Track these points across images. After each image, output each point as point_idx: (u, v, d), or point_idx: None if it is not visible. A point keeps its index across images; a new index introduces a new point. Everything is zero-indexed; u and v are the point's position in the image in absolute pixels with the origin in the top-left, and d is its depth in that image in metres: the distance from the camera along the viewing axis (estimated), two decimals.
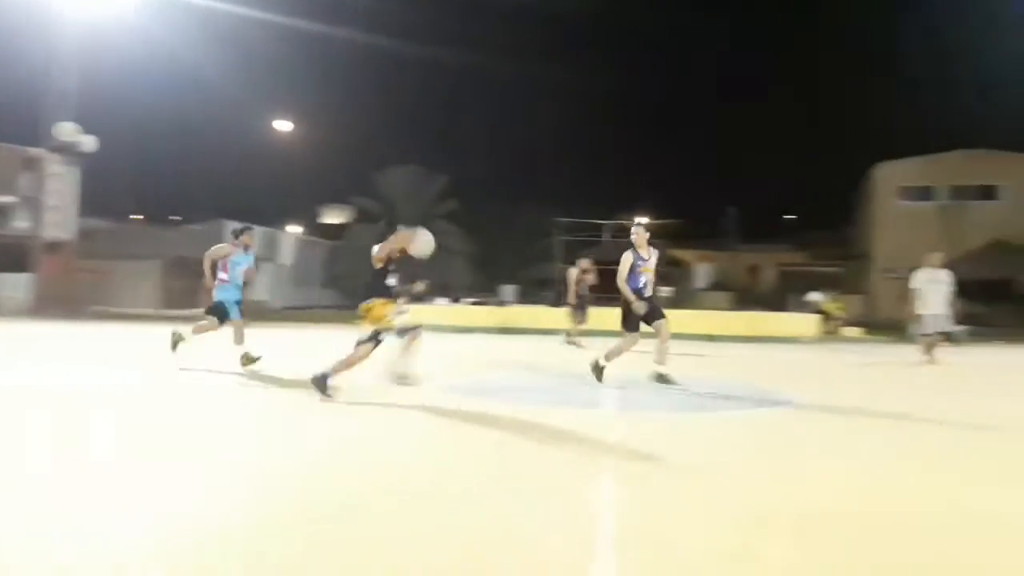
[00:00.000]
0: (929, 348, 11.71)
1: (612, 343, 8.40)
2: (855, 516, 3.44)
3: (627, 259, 8.16)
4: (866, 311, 33.61)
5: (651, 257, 8.28)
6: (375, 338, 6.49)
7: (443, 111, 50.14)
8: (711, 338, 17.66)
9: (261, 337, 10.25)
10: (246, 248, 9.11)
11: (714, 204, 53.17)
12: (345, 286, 35.52)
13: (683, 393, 7.61)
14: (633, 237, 8.24)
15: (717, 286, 39.31)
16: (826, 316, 20.75)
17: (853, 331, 21.67)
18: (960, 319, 21.84)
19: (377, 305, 6.50)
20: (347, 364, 6.49)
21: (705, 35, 78.52)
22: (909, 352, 12.68)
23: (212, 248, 9.13)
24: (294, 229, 44.56)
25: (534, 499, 3.59)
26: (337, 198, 41.61)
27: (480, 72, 56.35)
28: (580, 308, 14.88)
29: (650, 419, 6.18)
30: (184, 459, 4.31)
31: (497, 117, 51.06)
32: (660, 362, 8.05)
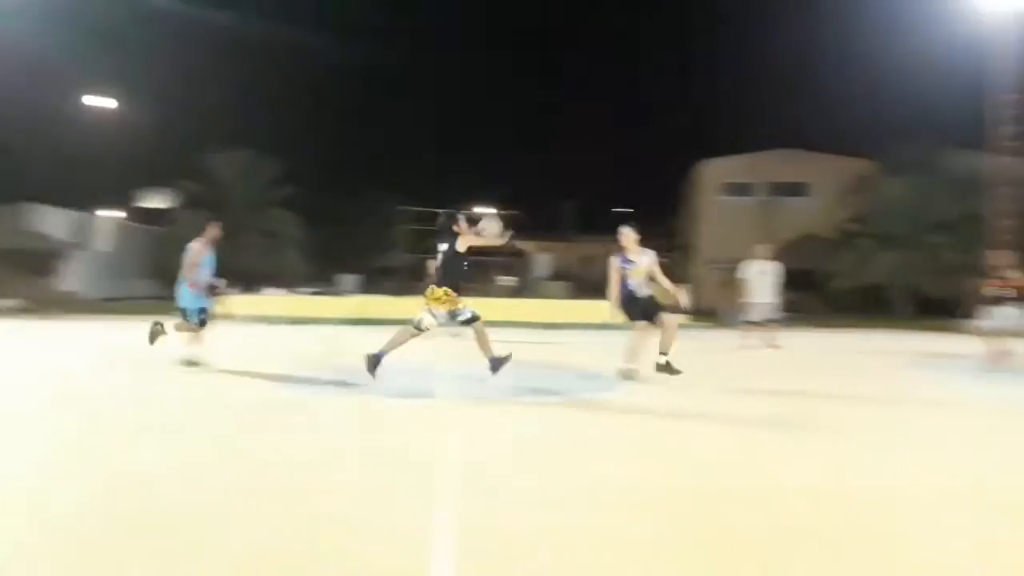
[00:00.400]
0: (753, 334, 12.48)
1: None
2: (681, 490, 3.51)
3: (613, 264, 8.15)
4: (691, 299, 35.63)
5: (640, 258, 8.23)
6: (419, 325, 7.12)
7: (280, 93, 48.07)
8: (549, 326, 18.03)
9: (67, 331, 9.34)
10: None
11: (553, 196, 54.55)
12: (172, 276, 33.15)
13: (523, 381, 7.66)
14: (620, 240, 8.10)
15: (556, 276, 40.37)
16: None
17: (679, 318, 22.86)
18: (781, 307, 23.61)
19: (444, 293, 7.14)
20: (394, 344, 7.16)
21: (540, 33, 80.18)
22: (730, 337, 13.46)
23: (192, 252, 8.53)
24: (113, 214, 41.14)
25: (366, 495, 3.42)
26: (161, 181, 38.74)
27: (321, 55, 54.48)
28: None
29: (488, 407, 6.14)
30: None
31: (339, 102, 49.65)
32: (664, 352, 8.11)
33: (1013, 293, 10.27)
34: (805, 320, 23.87)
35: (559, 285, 33.62)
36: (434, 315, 7.42)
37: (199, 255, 8.54)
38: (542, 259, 39.98)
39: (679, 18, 77.45)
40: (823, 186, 36.45)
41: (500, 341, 12.50)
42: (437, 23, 68.43)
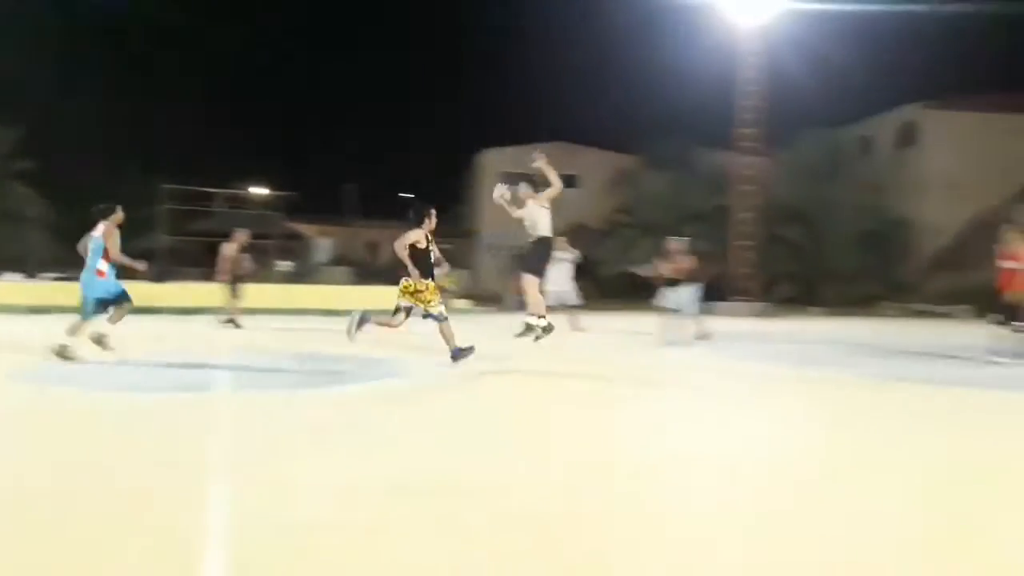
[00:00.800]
0: (564, 317, 12.93)
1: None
2: (446, 484, 3.46)
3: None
4: (473, 284, 36.44)
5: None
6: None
7: (16, 50, 42.21)
8: (331, 313, 17.49)
9: None
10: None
11: (334, 178, 53.09)
12: None
13: (301, 370, 7.36)
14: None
15: (338, 261, 39.39)
16: (440, 289, 21.87)
17: (463, 303, 23.22)
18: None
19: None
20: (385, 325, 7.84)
21: (324, 10, 77.62)
22: (513, 320, 13.71)
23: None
24: None
25: (129, 493, 3.03)
26: None
27: (72, 10, 48.35)
28: (235, 284, 13.62)
29: (262, 399, 5.77)
30: None
31: (93, 66, 44.54)
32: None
33: (683, 275, 11.71)
34: (579, 307, 25.24)
35: (341, 271, 32.80)
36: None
37: None
38: (323, 244, 38.75)
39: (464, 9, 78.40)
40: (591, 178, 38.75)
41: (278, 329, 11.90)
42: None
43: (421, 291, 7.73)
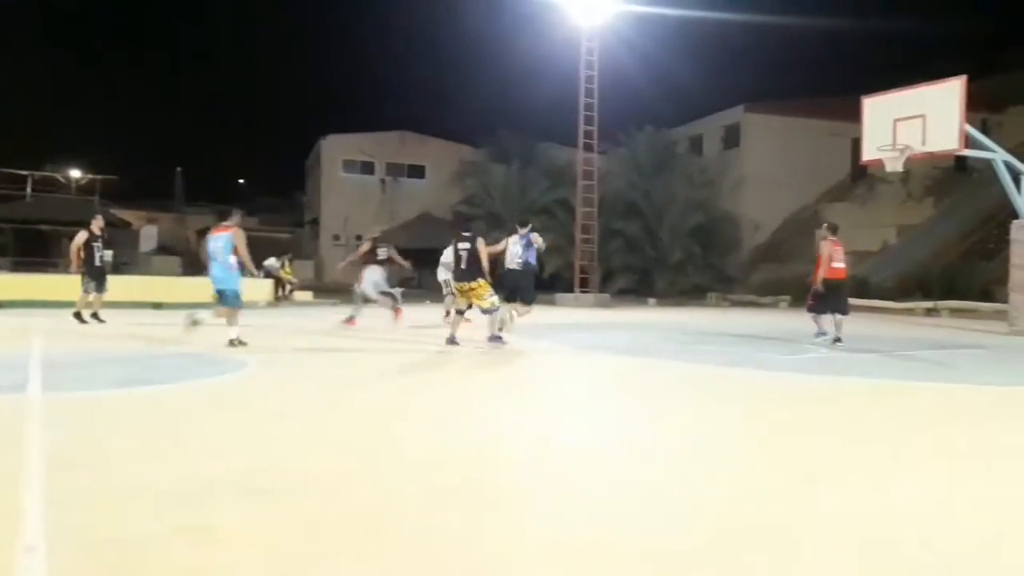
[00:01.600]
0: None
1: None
2: (314, 475, 3.32)
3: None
4: (315, 275, 35.36)
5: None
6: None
7: None
8: (158, 306, 16.37)
9: None
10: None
11: (159, 163, 49.68)
12: None
13: (120, 368, 6.85)
14: None
15: (165, 250, 36.98)
16: (279, 281, 20.98)
17: (304, 295, 22.45)
18: (397, 283, 24.38)
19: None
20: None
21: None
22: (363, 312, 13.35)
23: None
24: None
25: None
26: None
27: None
28: (94, 276, 12.24)
29: (79, 399, 5.28)
30: None
31: None
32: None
33: (370, 259, 12.26)
34: (427, 296, 25.12)
35: (170, 260, 30.79)
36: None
37: None
38: (148, 232, 36.19)
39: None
40: (438, 169, 38.70)
41: (101, 324, 11.05)
42: None
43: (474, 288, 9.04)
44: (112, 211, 34.16)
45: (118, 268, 22.84)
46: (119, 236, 31.57)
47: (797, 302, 22.27)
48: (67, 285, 13.39)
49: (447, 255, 12.48)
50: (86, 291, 12.34)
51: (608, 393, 6.51)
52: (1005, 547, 2.65)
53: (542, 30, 26.33)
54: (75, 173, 33.22)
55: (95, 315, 12.38)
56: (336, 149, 39.92)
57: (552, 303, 22.87)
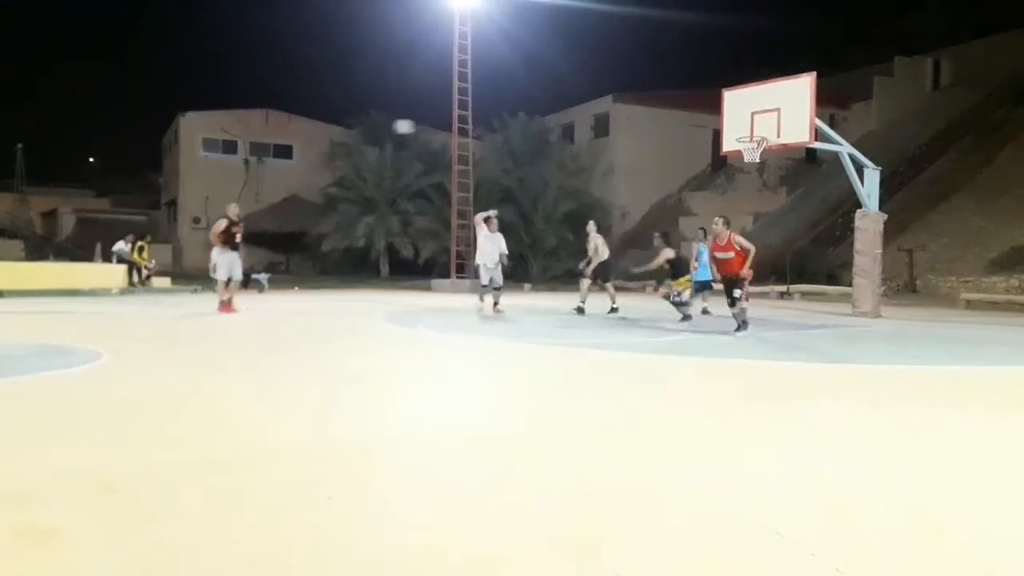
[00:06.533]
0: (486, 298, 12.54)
1: None
2: (180, 466, 3.12)
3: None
4: (173, 260, 33.49)
5: None
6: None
7: None
8: (2, 294, 15.05)
9: None
10: None
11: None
12: None
13: None
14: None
15: (6, 233, 33.98)
16: (133, 266, 19.62)
17: (162, 281, 21.20)
18: (264, 268, 23.50)
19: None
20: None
21: None
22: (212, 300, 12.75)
23: None
24: None
25: None
26: None
27: None
28: None
29: None
30: None
31: None
32: None
33: (226, 240, 11.79)
34: (293, 281, 24.34)
35: (10, 244, 28.31)
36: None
37: None
38: None
39: None
40: (306, 149, 37.40)
41: None
42: None
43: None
44: None
45: None
46: None
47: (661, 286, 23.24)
48: None
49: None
50: None
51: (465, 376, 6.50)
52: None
53: (415, 11, 25.96)
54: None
55: None
56: (196, 127, 37.74)
57: (428, 289, 22.72)
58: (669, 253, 11.54)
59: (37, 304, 13.42)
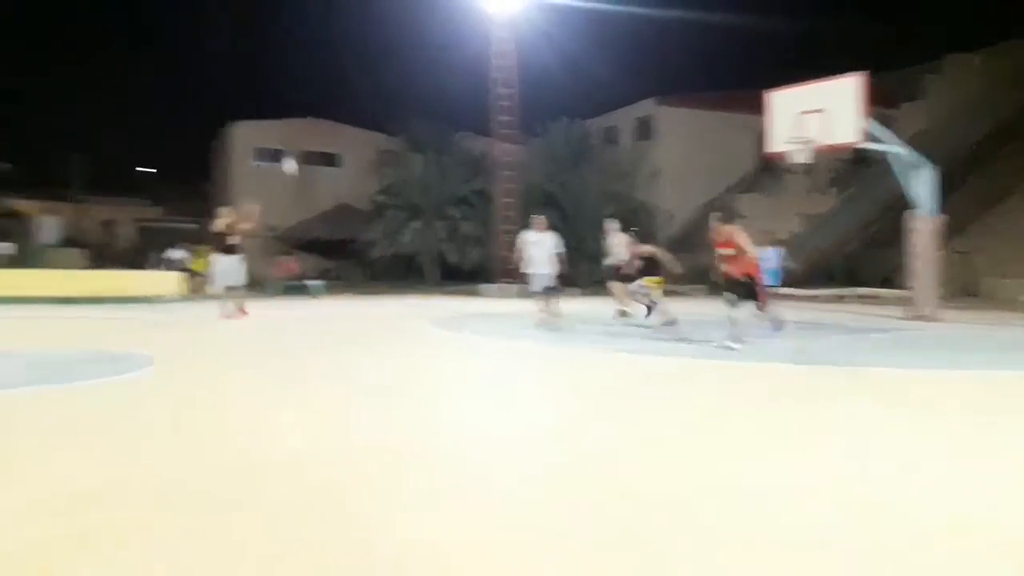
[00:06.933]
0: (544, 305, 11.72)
1: None
2: (210, 469, 3.25)
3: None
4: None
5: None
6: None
7: None
8: (64, 300, 15.60)
9: None
10: None
11: (55, 149, 47.02)
12: None
13: (24, 364, 6.51)
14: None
15: (67, 242, 35.17)
16: (191, 273, 20.20)
17: (218, 288, 21.72)
18: (316, 275, 23.95)
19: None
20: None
21: None
22: (270, 306, 13.14)
23: None
24: None
25: None
26: None
27: None
28: None
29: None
30: None
31: None
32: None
33: (222, 244, 11.95)
34: (344, 287, 24.77)
35: (72, 253, 29.30)
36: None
37: None
38: (47, 222, 34.31)
39: None
40: (354, 158, 37.94)
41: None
42: None
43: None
44: (6, 201, 32.39)
45: (15, 261, 21.59)
46: (14, 228, 29.91)
47: (712, 290, 22.97)
48: None
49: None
50: None
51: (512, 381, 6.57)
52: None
53: (454, 18, 26.23)
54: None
55: None
56: (246, 136, 38.61)
57: (476, 294, 22.90)
58: (645, 250, 11.32)
59: (98, 310, 13.90)
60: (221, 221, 11.96)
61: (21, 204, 35.47)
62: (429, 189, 31.65)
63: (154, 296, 17.74)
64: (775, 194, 32.38)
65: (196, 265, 20.17)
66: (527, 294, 12.76)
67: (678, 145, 32.88)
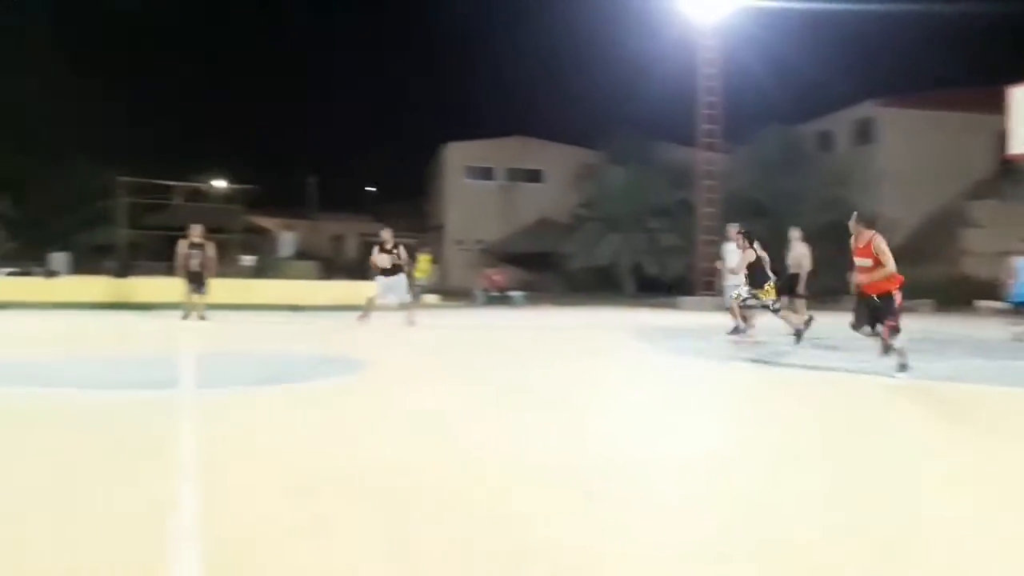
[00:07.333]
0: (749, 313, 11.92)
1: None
2: (417, 469, 3.50)
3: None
4: (441, 279, 36.32)
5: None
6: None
7: None
8: (296, 308, 17.33)
9: None
10: None
11: (292, 172, 52.41)
12: None
13: (259, 367, 7.34)
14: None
15: (301, 255, 39.03)
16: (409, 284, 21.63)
17: (431, 298, 23.11)
18: (519, 286, 24.77)
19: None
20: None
21: (282, 5, 76.45)
22: (478, 315, 13.78)
23: None
24: None
25: (101, 494, 3.01)
26: None
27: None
28: (194, 281, 13.44)
29: (226, 395, 5.73)
30: None
31: (41, 56, 43.31)
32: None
33: (387, 264, 12.61)
34: (543, 299, 25.39)
35: (306, 265, 32.48)
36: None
37: None
38: (286, 238, 38.26)
39: (428, 2, 77.99)
40: (555, 173, 38.83)
41: (242, 324, 11.80)
42: None
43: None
44: (251, 219, 36.38)
45: (258, 272, 24.38)
46: (258, 242, 33.62)
47: (942, 304, 21.02)
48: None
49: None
50: (189, 292, 13.48)
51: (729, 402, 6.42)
52: None
53: (657, 28, 26.02)
54: (218, 183, 35.61)
55: (193, 315, 13.38)
56: (458, 156, 40.84)
57: (674, 306, 22.56)
58: (750, 256, 10.30)
59: (327, 318, 15.31)
60: (384, 241, 12.88)
61: (264, 221, 39.87)
62: (629, 201, 31.63)
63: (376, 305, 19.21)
64: (1016, 200, 28.89)
65: (417, 273, 21.65)
66: (724, 307, 12.30)
67: (902, 148, 30.33)
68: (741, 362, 8.55)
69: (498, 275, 25.49)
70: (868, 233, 7.46)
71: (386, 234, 12.97)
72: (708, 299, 22.43)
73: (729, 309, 11.11)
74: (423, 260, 22.26)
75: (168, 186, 31.61)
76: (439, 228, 42.80)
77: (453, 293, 26.33)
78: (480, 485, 3.36)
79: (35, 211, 32.54)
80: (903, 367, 6.97)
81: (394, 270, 12.62)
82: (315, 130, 73.00)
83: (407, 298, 12.98)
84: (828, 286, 27.94)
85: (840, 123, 33.94)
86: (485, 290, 23.99)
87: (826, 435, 4.69)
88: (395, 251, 12.69)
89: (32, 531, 2.67)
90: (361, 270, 30.58)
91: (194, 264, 13.52)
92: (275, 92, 74.01)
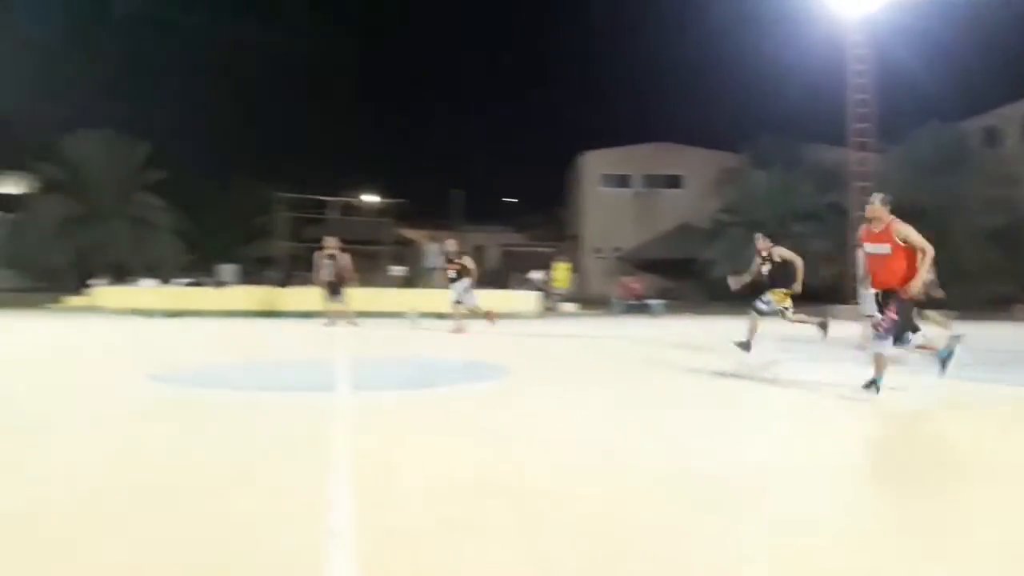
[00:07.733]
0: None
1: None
2: (570, 475, 3.61)
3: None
4: (579, 288, 36.48)
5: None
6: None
7: (145, 72, 45.28)
8: (443, 316, 17.97)
9: None
10: None
11: (438, 186, 54.29)
12: (30, 265, 30.69)
13: (408, 371, 7.73)
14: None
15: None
16: (547, 293, 22.01)
17: (569, 306, 23.33)
18: (657, 294, 24.51)
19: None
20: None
21: (420, 21, 79.36)
22: (617, 324, 13.80)
23: None
24: None
25: (268, 494, 3.32)
26: (12, 164, 35.52)
27: (189, 33, 51.65)
28: (332, 290, 14.47)
29: (382, 398, 6.08)
30: None
31: (209, 84, 47.17)
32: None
33: (453, 272, 13.64)
34: (684, 307, 24.96)
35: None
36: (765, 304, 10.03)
37: None
38: (432, 248, 39.73)
39: (561, 14, 78.73)
40: (695, 178, 38.05)
41: (392, 331, 12.37)
42: (314, 6, 66.41)
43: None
44: (400, 231, 37.97)
45: (407, 281, 25.49)
46: (406, 253, 35.06)
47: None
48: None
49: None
50: (328, 300, 14.46)
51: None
52: None
53: (802, 25, 24.97)
54: (369, 198, 37.47)
55: (351, 322, 14.28)
56: (595, 164, 40.89)
57: (823, 315, 21.51)
58: (783, 255, 9.87)
59: (469, 326, 15.80)
60: (451, 252, 13.88)
61: (412, 233, 41.51)
62: (772, 205, 30.53)
63: (515, 313, 19.64)
64: None
65: (556, 282, 22.01)
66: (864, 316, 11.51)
67: None
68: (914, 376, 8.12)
69: (635, 283, 25.33)
70: (888, 217, 6.53)
71: (331, 242, 14.41)
72: (862, 307, 21.28)
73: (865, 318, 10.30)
74: (561, 269, 22.66)
75: (324, 201, 33.61)
76: (576, 237, 42.99)
77: (592, 302, 26.40)
78: (634, 495, 3.45)
79: (207, 226, 35.49)
80: (873, 384, 6.03)
81: (459, 276, 13.59)
82: (462, 143, 75.39)
83: (468, 304, 13.79)
84: (1000, 294, 25.87)
85: (1008, 118, 31.29)
86: (622, 298, 23.90)
87: None
88: (458, 260, 13.69)
89: (226, 507, 3.03)
90: (499, 279, 31.29)
91: (329, 274, 14.44)
92: (424, 109, 77.04)
